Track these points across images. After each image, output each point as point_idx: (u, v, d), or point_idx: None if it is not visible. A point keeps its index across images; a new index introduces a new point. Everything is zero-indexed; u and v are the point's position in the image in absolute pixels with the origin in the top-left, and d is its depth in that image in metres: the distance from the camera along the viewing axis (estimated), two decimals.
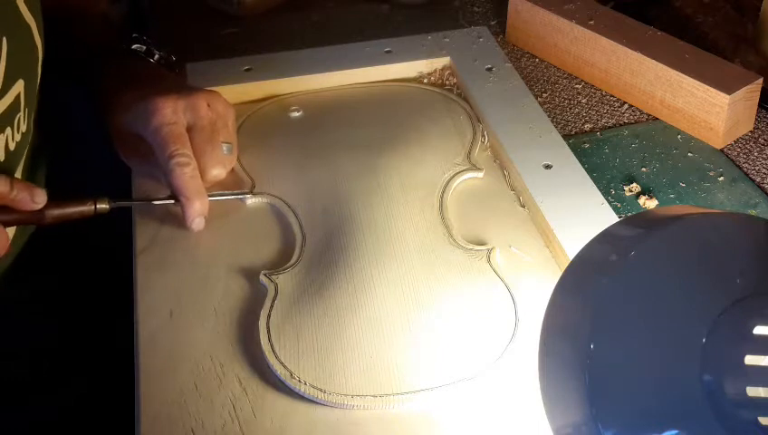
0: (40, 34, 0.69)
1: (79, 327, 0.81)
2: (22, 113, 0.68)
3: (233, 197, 0.71)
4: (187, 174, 0.66)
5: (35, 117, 0.73)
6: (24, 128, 0.69)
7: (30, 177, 0.73)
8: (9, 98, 0.65)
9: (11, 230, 0.67)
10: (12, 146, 0.67)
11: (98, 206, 0.65)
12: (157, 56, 0.77)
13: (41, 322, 0.79)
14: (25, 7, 0.66)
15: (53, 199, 0.64)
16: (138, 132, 0.69)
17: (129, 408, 0.56)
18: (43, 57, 0.70)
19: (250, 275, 0.64)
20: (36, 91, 0.71)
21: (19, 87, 0.66)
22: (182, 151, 0.66)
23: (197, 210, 0.67)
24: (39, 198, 0.62)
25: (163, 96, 0.68)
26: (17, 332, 0.77)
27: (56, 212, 0.64)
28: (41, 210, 0.63)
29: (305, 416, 0.54)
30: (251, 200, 0.71)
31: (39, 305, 0.79)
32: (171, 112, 0.67)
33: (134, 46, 0.77)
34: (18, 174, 0.70)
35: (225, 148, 0.70)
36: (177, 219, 0.69)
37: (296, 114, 0.80)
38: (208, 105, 0.70)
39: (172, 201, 0.67)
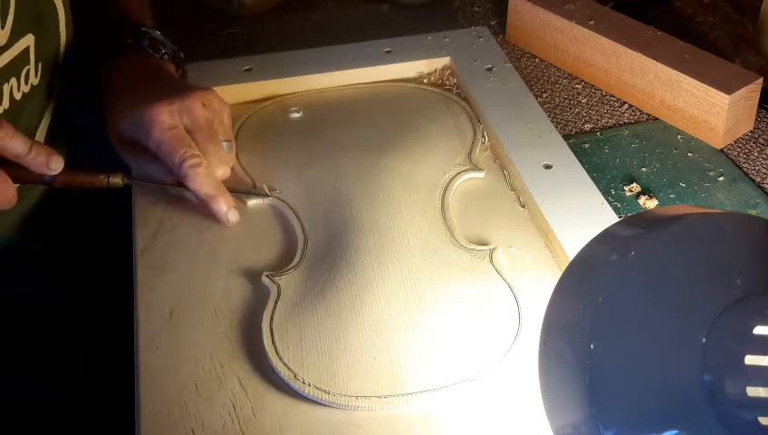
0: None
1: (78, 327, 0.81)
2: (32, 67, 0.70)
3: (253, 196, 0.71)
4: (201, 174, 0.67)
5: (66, 83, 0.74)
6: (35, 81, 0.70)
7: (51, 140, 0.75)
8: (16, 50, 0.67)
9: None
10: (18, 96, 0.68)
11: (111, 180, 0.66)
12: (162, 51, 0.77)
13: (39, 321, 0.79)
14: None
15: (68, 167, 0.65)
16: (138, 139, 0.69)
17: (130, 407, 0.56)
18: (67, 21, 0.72)
19: (250, 275, 0.64)
20: (56, 50, 0.73)
21: (28, 41, 0.68)
22: (191, 153, 0.67)
23: (223, 205, 0.67)
24: (54, 165, 0.63)
25: (156, 103, 0.68)
26: (14, 329, 0.77)
27: (68, 178, 0.65)
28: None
29: (305, 416, 0.54)
30: (252, 201, 0.71)
31: (39, 303, 0.79)
32: (168, 118, 0.68)
33: (141, 41, 0.77)
34: (39, 133, 0.72)
35: (225, 146, 0.71)
36: (177, 219, 0.69)
37: (296, 115, 0.80)
38: (203, 104, 0.70)
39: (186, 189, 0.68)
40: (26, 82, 0.69)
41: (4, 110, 0.67)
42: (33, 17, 0.69)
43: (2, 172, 0.62)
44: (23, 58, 0.68)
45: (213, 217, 0.68)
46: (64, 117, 0.77)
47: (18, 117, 0.69)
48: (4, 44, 0.66)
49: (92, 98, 0.76)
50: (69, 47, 0.75)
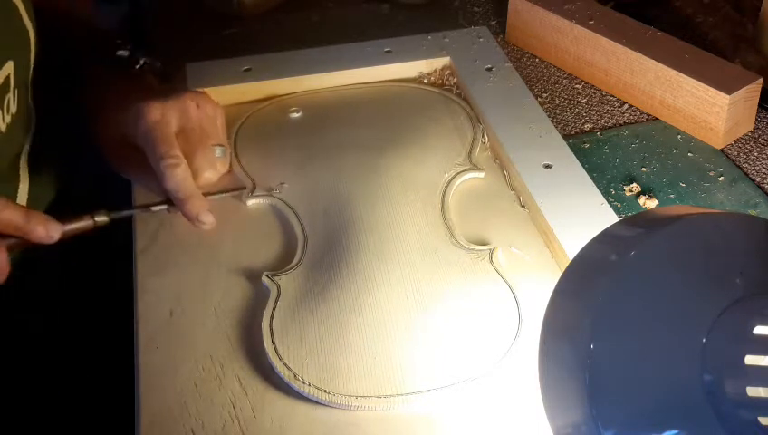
0: (30, 18, 0.70)
1: (77, 327, 0.81)
2: (11, 94, 0.68)
3: (229, 194, 0.70)
4: (178, 175, 0.66)
5: (36, 105, 0.73)
6: (14, 109, 0.69)
7: (34, 169, 0.74)
8: (0, 79, 0.65)
9: None
10: (2, 127, 0.67)
11: (96, 219, 0.65)
12: (141, 63, 0.77)
13: (39, 321, 0.79)
14: None
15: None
16: (128, 141, 0.69)
17: (130, 407, 0.56)
18: (35, 42, 0.70)
19: (250, 275, 0.64)
20: (29, 75, 0.72)
21: (8, 69, 0.67)
22: (172, 153, 0.66)
23: (195, 208, 0.66)
24: (54, 232, 0.62)
25: (151, 100, 0.68)
26: (13, 329, 0.77)
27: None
28: None
29: (305, 416, 0.54)
30: (252, 201, 0.71)
31: (38, 304, 0.79)
32: (160, 114, 0.67)
33: (118, 53, 0.76)
34: (21, 162, 0.71)
35: (218, 151, 0.70)
36: (177, 219, 0.69)
37: (296, 115, 0.80)
38: (197, 105, 0.70)
39: (167, 206, 0.67)
40: (8, 112, 0.68)
41: None
42: (11, 43, 0.68)
43: None
44: (5, 87, 0.67)
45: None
46: (43, 142, 0.76)
47: (3, 151, 0.68)
48: None
49: (69, 117, 0.75)
50: (37, 70, 0.73)
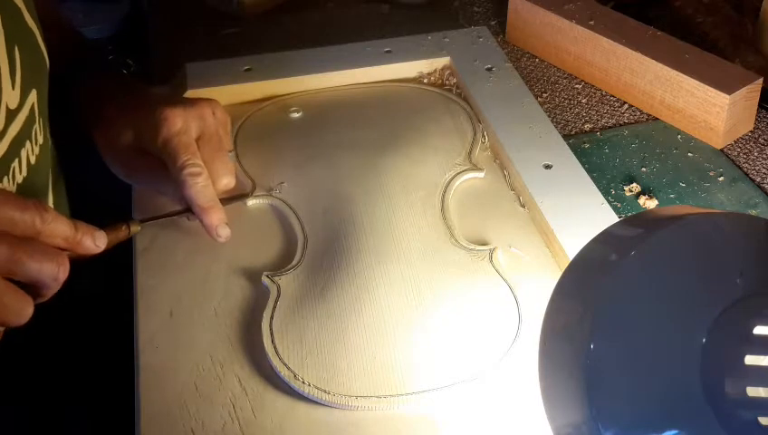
0: (44, 42, 0.69)
1: (77, 327, 0.81)
2: (38, 125, 0.67)
3: (238, 201, 0.71)
4: (199, 183, 0.66)
5: (51, 133, 0.72)
6: (41, 140, 0.68)
7: (56, 193, 0.73)
8: (26, 110, 0.64)
9: None
10: (32, 160, 0.66)
11: (131, 228, 0.64)
12: (132, 69, 0.76)
13: (38, 319, 0.79)
14: (28, 14, 0.66)
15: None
16: (143, 147, 0.69)
17: (130, 407, 0.56)
18: (48, 66, 0.70)
19: (250, 275, 0.64)
20: (46, 102, 0.71)
21: (33, 97, 0.66)
22: (193, 161, 0.66)
23: (215, 220, 0.66)
24: (101, 241, 0.60)
25: (170, 107, 0.68)
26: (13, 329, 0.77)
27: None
28: None
29: (305, 416, 0.54)
30: (252, 201, 0.71)
31: (37, 304, 0.79)
32: (182, 122, 0.67)
33: (107, 61, 0.77)
34: (49, 190, 0.70)
35: (229, 155, 0.71)
36: (177, 219, 0.69)
37: (296, 115, 0.80)
38: (213, 113, 0.71)
39: (187, 214, 0.67)
40: (36, 144, 0.66)
41: (23, 178, 0.64)
42: (34, 71, 0.66)
43: (23, 294, 0.57)
44: (31, 117, 0.65)
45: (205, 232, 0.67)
46: (65, 170, 0.75)
47: (33, 185, 0.66)
48: (17, 106, 0.63)
49: (83, 142, 0.75)
50: (52, 96, 0.72)
